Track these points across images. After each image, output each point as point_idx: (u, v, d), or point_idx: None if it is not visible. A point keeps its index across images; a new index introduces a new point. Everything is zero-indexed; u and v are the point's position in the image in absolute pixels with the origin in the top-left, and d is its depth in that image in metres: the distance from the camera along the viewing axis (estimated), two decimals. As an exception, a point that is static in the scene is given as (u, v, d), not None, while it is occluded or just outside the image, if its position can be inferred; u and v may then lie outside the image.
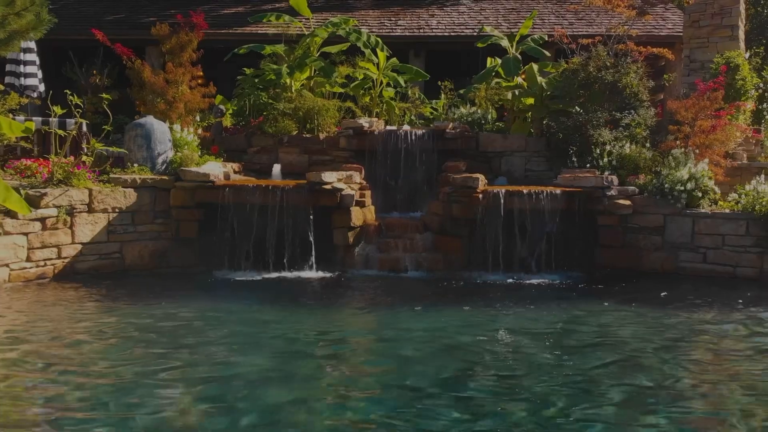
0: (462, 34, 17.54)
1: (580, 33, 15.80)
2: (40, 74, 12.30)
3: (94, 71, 14.80)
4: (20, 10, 7.73)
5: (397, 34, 17.67)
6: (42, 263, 8.44)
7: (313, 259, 9.46)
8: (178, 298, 7.82)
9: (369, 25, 18.13)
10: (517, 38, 13.06)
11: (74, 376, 5.10)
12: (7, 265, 8.06)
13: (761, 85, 15.06)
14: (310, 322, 6.98)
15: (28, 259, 8.30)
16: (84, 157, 9.15)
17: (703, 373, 5.52)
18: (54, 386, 4.94)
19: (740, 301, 7.99)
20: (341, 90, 13.23)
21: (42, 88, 12.27)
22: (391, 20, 18.76)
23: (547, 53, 13.21)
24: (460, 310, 7.48)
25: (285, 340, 6.31)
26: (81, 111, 9.33)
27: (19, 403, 4.67)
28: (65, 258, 8.66)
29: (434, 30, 18.05)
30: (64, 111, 9.11)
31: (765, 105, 15.05)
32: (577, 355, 5.94)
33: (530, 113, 12.46)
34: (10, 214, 8.10)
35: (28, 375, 5.20)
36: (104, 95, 10.28)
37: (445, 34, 17.70)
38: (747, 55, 14.52)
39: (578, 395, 4.92)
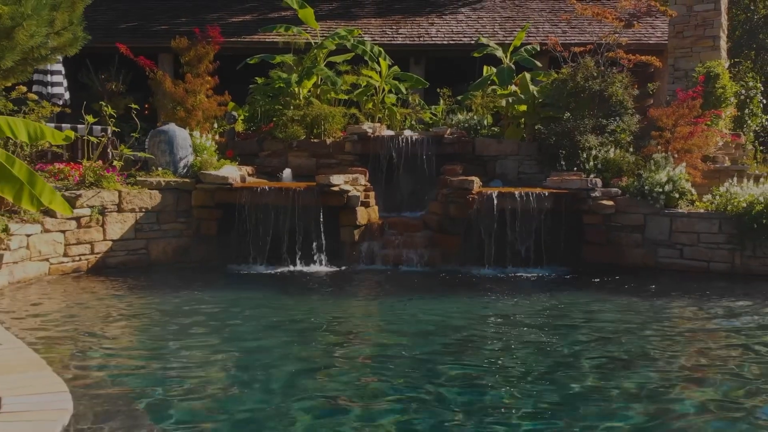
0: (460, 42, 18.39)
1: (572, 41, 16.62)
2: (65, 83, 13.15)
3: (104, 75, 15.58)
4: (60, 29, 8.58)
5: (398, 42, 18.52)
6: (77, 258, 9.30)
7: (322, 254, 10.32)
8: (201, 287, 8.70)
9: (371, 34, 18.99)
10: (510, 49, 13.92)
11: (114, 347, 5.96)
12: (47, 260, 8.91)
13: (743, 91, 15.95)
14: (322, 307, 7.87)
15: (65, 254, 9.16)
16: (115, 162, 9.99)
17: (667, 347, 6.38)
18: (97, 355, 5.76)
19: (707, 292, 8.87)
20: (346, 97, 14.11)
21: (67, 96, 13.12)
22: (392, 28, 19.62)
23: (539, 63, 14.07)
24: (457, 299, 8.36)
25: (301, 321, 7.19)
26: (114, 120, 10.17)
27: (67, 369, 5.39)
28: (97, 253, 9.53)
29: (434, 38, 18.90)
30: (96, 120, 9.96)
31: (747, 111, 15.94)
32: (558, 334, 6.82)
33: (523, 119, 13.32)
34: (49, 213, 8.96)
35: (75, 346, 6.01)
36: (132, 105, 11.11)
37: (444, 42, 18.56)
38: (727, 64, 15.34)
39: (558, 363, 5.79)
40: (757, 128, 16.43)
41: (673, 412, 4.72)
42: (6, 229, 8.10)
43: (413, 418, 4.54)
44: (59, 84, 12.85)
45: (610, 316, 7.72)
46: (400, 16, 20.58)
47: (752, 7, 28.82)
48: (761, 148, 17.44)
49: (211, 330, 6.74)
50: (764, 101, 16.94)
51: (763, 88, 16.49)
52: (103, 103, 10.10)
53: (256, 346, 6.17)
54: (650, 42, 17.88)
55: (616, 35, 14.21)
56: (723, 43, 15.24)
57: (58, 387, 3.99)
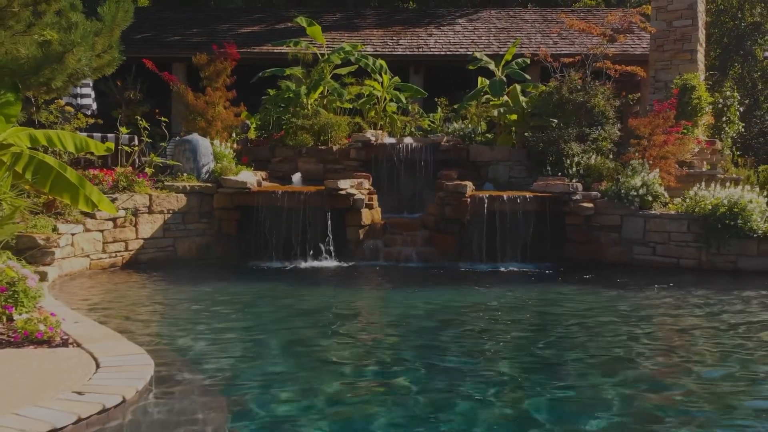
0: (457, 53, 19.54)
1: (562, 52, 17.76)
2: (92, 95, 14.28)
3: (120, 83, 16.70)
4: (100, 52, 9.70)
5: (398, 53, 19.67)
6: (113, 254, 10.44)
7: (330, 251, 11.47)
8: (225, 279, 9.86)
9: (374, 45, 20.13)
10: (502, 63, 15.07)
11: (158, 323, 7.09)
12: (88, 256, 10.05)
13: (721, 100, 17.11)
14: (333, 295, 9.04)
15: (103, 251, 10.30)
16: (147, 169, 11.13)
17: (622, 326, 7.52)
18: (149, 330, 6.89)
19: (671, 284, 10.00)
20: (350, 106, 15.26)
21: (95, 106, 14.25)
22: (393, 39, 20.75)
23: (528, 76, 15.24)
24: (451, 290, 9.51)
25: (316, 306, 8.33)
26: (147, 132, 11.32)
27: (132, 339, 6.54)
28: (131, 250, 10.67)
29: (432, 49, 20.04)
30: (129, 131, 11.10)
31: (724, 119, 17.10)
32: (540, 316, 7.97)
33: (514, 128, 14.46)
34: (89, 215, 10.09)
35: (128, 323, 7.14)
36: (163, 119, 12.23)
37: (442, 53, 19.70)
38: (703, 77, 16.45)
39: (537, 336, 6.95)
40: (734, 135, 17.56)
41: (613, 357, 5.86)
42: (55, 229, 9.22)
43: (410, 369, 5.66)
44: (88, 96, 13.97)
45: (579, 299, 8.94)
46: (400, 27, 21.70)
47: (740, 15, 29.96)
48: (738, 153, 18.60)
49: (238, 310, 7.92)
50: (741, 109, 18.10)
51: (740, 97, 17.62)
52: (138, 118, 11.25)
53: (275, 320, 7.36)
54: (636, 53, 19.00)
55: (603, 47, 15.37)
56: (700, 56, 16.38)
57: (137, 350, 5.13)
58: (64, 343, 5.20)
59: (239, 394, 4.91)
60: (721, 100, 16.98)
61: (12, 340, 5.20)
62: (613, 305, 8.65)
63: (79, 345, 5.16)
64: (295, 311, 7.97)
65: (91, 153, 11.71)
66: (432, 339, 6.82)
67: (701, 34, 16.32)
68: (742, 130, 18.12)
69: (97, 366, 4.64)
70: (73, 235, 9.65)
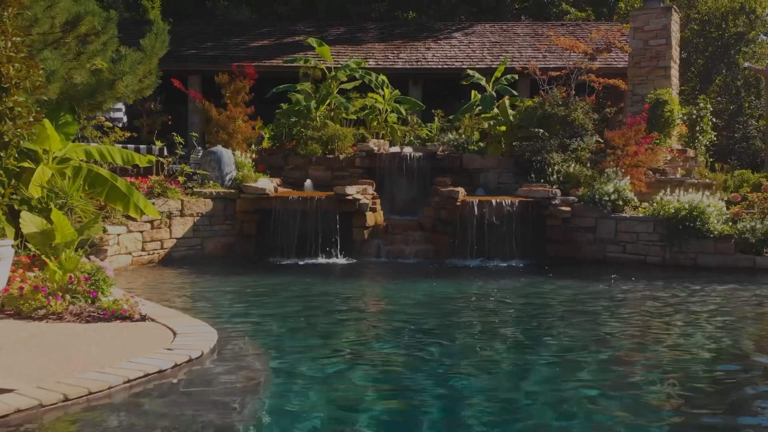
0: (452, 66, 21.12)
1: (550, 66, 19.30)
2: (123, 108, 15.83)
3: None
4: (141, 77, 11.25)
5: (398, 66, 21.27)
6: (151, 252, 11.99)
7: (339, 249, 13.01)
8: (248, 273, 11.40)
9: (375, 58, 21.72)
10: (492, 79, 16.65)
11: (200, 306, 8.64)
12: (130, 253, 11.60)
13: (695, 111, 18.67)
14: (342, 286, 10.58)
15: (143, 249, 11.85)
16: (180, 178, 12.69)
17: (591, 308, 9.07)
18: (192, 312, 8.43)
19: (633, 278, 11.54)
20: (355, 117, 16.84)
21: (125, 119, 15.81)
22: (393, 53, 22.33)
23: (515, 92, 16.84)
24: (446, 281, 11.05)
25: (328, 294, 9.88)
26: (183, 144, 12.87)
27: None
28: (165, 249, 12.23)
29: (429, 62, 21.63)
30: (163, 144, 12.66)
31: (698, 128, 18.66)
32: (522, 302, 9.52)
33: (503, 139, 16.02)
34: (130, 218, 11.62)
35: (172, 306, 8.69)
36: (194, 134, 13.85)
37: (438, 66, 21.29)
38: (675, 92, 18.01)
39: (521, 318, 8.51)
40: (707, 143, 19.11)
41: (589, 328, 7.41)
42: (105, 231, 10.77)
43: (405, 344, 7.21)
44: (119, 110, 15.52)
45: (551, 287, 10.51)
46: (400, 41, 23.27)
47: (723, 26, 31.48)
48: (711, 160, 20.15)
49: (264, 294, 9.51)
50: (714, 120, 19.66)
51: (711, 109, 19.14)
52: (174, 134, 12.80)
53: (293, 304, 8.91)
54: (619, 66, 20.55)
55: (586, 63, 16.95)
56: (674, 72, 17.95)
57: (200, 323, 6.67)
58: (143, 319, 6.74)
59: (274, 346, 6.53)
60: (695, 112, 18.54)
61: (102, 316, 6.74)
62: (581, 291, 10.23)
63: (153, 320, 6.70)
64: (308, 297, 9.51)
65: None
66: (419, 311, 8.37)
67: (675, 52, 17.88)
68: (715, 139, 19.66)
69: (174, 334, 6.18)
70: (118, 235, 11.19)
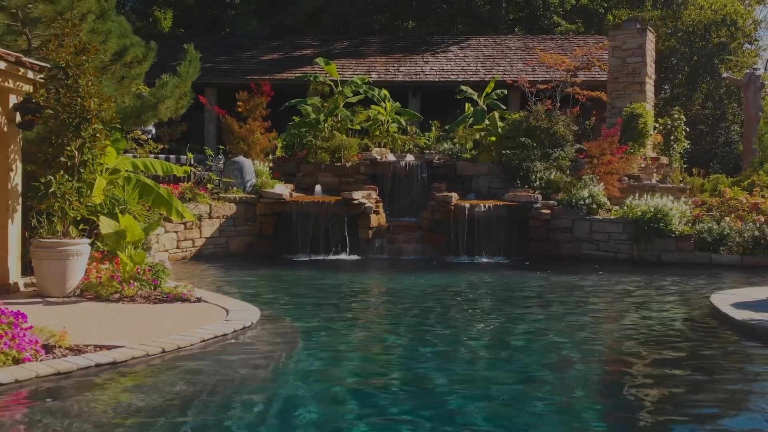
0: (448, 79, 22.94)
1: (538, 79, 21.11)
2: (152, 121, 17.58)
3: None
4: (177, 98, 13.03)
5: (399, 79, 23.10)
6: (184, 250, 13.79)
7: (346, 247, 14.80)
8: (269, 267, 13.20)
9: (377, 71, 23.53)
10: (484, 94, 18.47)
11: (237, 294, 10.42)
12: (167, 251, 13.39)
13: (669, 122, 20.47)
14: (351, 278, 12.38)
15: (177, 247, 13.65)
16: (209, 185, 14.49)
17: (565, 296, 10.85)
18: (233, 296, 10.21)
19: (601, 272, 13.33)
20: (359, 127, 18.66)
21: (154, 131, 17.57)
22: (394, 66, 24.14)
23: (503, 106, 18.70)
24: (441, 274, 12.85)
25: (338, 284, 11.66)
26: (212, 156, 14.68)
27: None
28: (196, 247, 14.02)
29: (427, 75, 23.45)
30: (193, 155, 14.46)
31: (672, 138, 20.46)
32: (507, 293, 11.31)
33: (493, 148, 17.82)
34: (167, 219, 13.40)
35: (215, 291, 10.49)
36: (220, 146, 15.57)
37: (436, 80, 23.11)
38: (650, 105, 19.79)
39: (504, 305, 10.28)
40: (681, 151, 20.91)
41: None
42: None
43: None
44: (149, 122, 17.28)
45: (530, 277, 12.30)
46: (400, 55, 25.08)
47: (707, 36, 33.23)
48: (686, 165, 21.95)
49: (283, 286, 11.28)
50: (687, 129, 21.45)
51: (685, 119, 20.93)
52: (205, 147, 14.60)
53: (310, 290, 10.73)
54: (603, 79, 22.27)
55: (570, 77, 18.77)
56: (649, 87, 19.73)
57: (245, 303, 8.47)
58: (198, 300, 8.53)
59: (300, 319, 8.39)
60: (669, 122, 20.34)
61: (166, 298, 8.53)
62: (557, 281, 12.03)
63: (207, 301, 8.50)
64: (320, 287, 11.31)
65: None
66: (415, 296, 10.17)
67: (650, 69, 19.67)
68: (688, 147, 21.46)
69: (227, 312, 7.97)
70: (158, 235, 12.98)
